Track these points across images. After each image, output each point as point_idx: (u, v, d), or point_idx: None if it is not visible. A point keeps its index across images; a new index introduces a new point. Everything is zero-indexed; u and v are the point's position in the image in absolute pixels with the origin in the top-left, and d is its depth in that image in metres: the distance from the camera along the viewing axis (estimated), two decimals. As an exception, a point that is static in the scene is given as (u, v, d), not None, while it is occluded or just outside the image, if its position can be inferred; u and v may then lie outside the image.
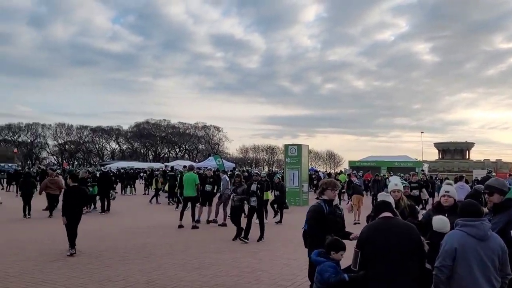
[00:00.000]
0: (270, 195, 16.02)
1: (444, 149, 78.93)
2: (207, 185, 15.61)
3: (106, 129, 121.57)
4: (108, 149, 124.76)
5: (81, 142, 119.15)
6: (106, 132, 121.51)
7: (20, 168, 49.26)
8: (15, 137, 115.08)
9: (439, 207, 4.98)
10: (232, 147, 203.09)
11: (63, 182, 17.76)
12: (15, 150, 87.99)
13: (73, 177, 10.44)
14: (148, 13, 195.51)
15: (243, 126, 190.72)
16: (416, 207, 6.68)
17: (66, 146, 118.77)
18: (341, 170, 44.93)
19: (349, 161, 52.41)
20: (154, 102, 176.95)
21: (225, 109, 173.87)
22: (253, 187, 11.67)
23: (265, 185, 12.43)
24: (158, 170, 37.06)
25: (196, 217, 14.54)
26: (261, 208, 11.83)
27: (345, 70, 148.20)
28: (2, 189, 34.37)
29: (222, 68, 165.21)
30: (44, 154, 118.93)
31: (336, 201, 5.63)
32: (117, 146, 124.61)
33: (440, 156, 79.65)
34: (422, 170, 38.23)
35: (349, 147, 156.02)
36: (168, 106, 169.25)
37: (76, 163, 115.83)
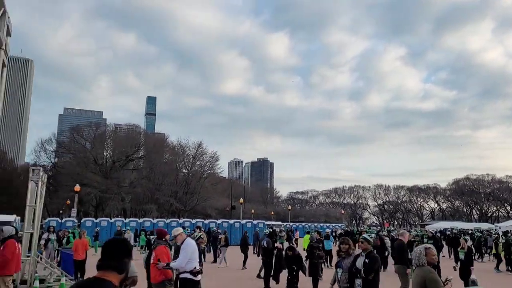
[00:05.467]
0: None
1: None
2: None
3: (423, 187, 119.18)
4: (427, 209, 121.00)
5: (399, 202, 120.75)
6: (423, 191, 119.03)
7: (348, 228, 53.80)
8: (340, 199, 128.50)
9: None
10: None
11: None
12: (342, 211, 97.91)
13: None
14: (460, 66, 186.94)
15: None
16: None
17: (385, 206, 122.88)
18: None
19: None
20: (474, 155, 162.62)
21: None
22: (359, 261, 7.01)
23: (377, 259, 7.18)
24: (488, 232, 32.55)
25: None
26: None
27: None
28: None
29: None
30: (366, 214, 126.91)
31: None
32: (436, 205, 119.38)
33: None
34: None
35: None
36: (491, 159, 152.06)
37: (396, 223, 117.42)
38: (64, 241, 18.97)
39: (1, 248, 8.84)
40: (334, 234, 35.09)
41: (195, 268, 7.15)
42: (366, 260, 6.85)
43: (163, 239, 7.71)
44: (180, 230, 7.77)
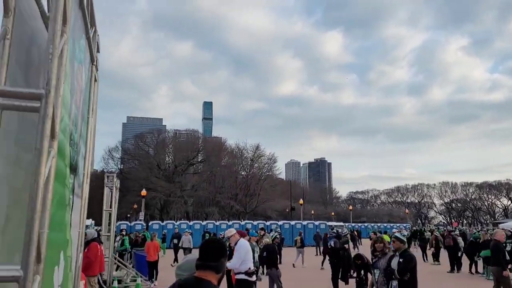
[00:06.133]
0: None
1: None
2: None
3: (494, 184, 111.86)
4: (500, 206, 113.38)
5: (468, 199, 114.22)
6: (494, 188, 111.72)
7: (415, 228, 51.87)
8: (403, 198, 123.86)
9: None
10: None
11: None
12: (406, 210, 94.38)
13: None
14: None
15: None
16: None
17: (453, 205, 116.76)
18: None
19: None
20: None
21: None
22: (394, 261, 6.66)
23: (412, 258, 6.63)
24: None
25: None
26: None
27: None
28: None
29: None
30: (432, 213, 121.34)
31: None
32: (509, 202, 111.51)
33: None
34: None
35: None
36: None
37: (465, 221, 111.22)
38: (119, 243, 19.39)
39: (85, 251, 9.48)
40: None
41: (249, 268, 7.28)
42: (400, 260, 6.52)
43: None
44: (233, 231, 7.91)
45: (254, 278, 7.47)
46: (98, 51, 4.00)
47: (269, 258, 10.22)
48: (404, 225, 59.61)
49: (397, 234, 7.17)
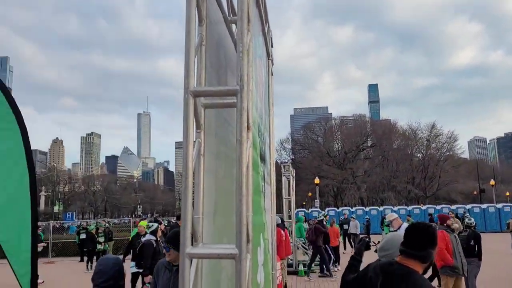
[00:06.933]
0: None
1: None
2: None
3: None
4: None
5: None
6: None
7: None
8: None
9: None
10: None
11: None
12: None
13: None
14: None
15: None
16: None
17: None
18: None
19: None
20: None
21: None
22: None
23: None
24: None
25: None
26: None
27: None
28: None
29: None
30: None
31: None
32: None
33: None
34: None
35: None
36: None
37: None
38: None
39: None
40: None
41: None
42: None
43: (445, 224, 7.55)
44: (395, 215, 8.05)
45: None
46: (272, 45, 4.21)
47: (477, 247, 8.95)
48: None
49: None
